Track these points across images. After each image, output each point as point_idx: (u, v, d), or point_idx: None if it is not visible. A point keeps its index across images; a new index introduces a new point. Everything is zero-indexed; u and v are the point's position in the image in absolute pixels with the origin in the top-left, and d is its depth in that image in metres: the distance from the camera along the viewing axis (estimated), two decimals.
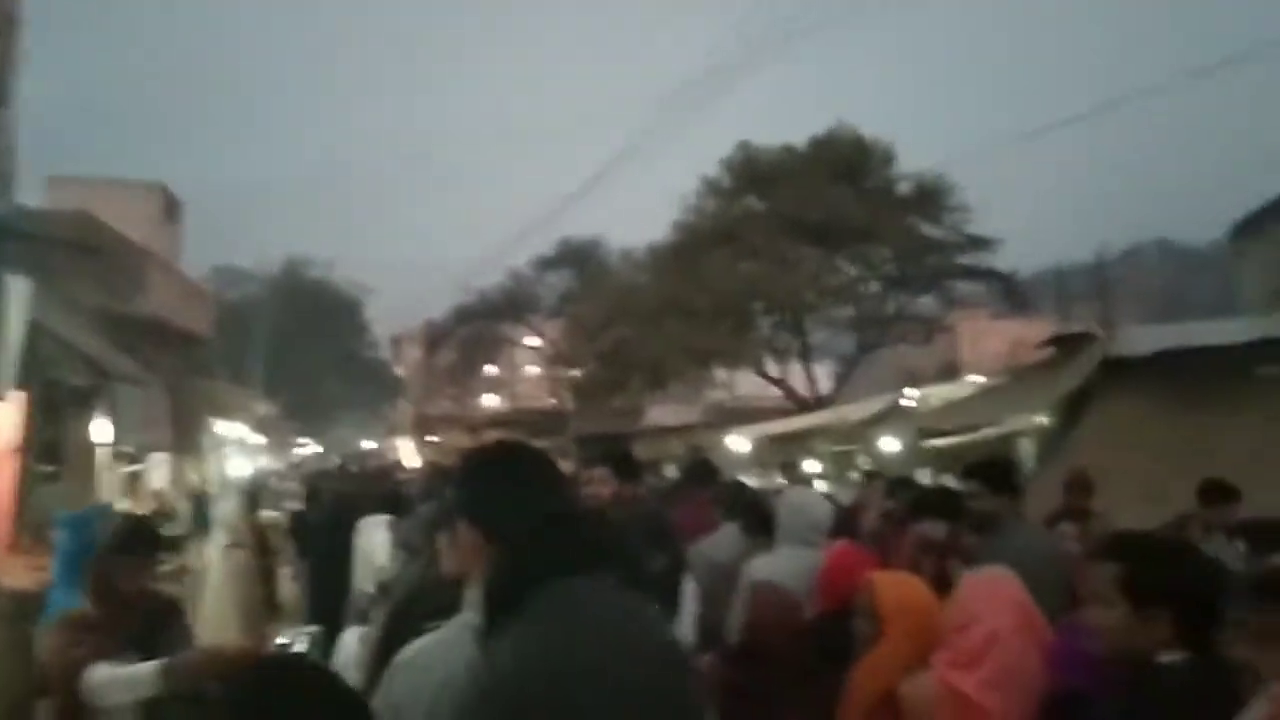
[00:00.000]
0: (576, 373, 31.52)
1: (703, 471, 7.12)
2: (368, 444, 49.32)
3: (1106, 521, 5.45)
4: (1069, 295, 32.86)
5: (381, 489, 8.86)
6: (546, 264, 36.18)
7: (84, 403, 9.28)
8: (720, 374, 31.54)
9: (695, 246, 24.84)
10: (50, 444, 8.52)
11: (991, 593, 2.68)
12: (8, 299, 6.11)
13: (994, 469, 3.80)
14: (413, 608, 3.06)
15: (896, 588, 2.81)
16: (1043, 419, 12.27)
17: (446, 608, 2.08)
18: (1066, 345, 13.06)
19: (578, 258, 35.87)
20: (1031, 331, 22.86)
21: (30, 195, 13.73)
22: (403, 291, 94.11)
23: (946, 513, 3.06)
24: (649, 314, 24.27)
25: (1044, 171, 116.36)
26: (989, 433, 13.55)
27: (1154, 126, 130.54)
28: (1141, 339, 11.13)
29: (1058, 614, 2.96)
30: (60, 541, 5.20)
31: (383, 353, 56.60)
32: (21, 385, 6.49)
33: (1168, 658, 2.11)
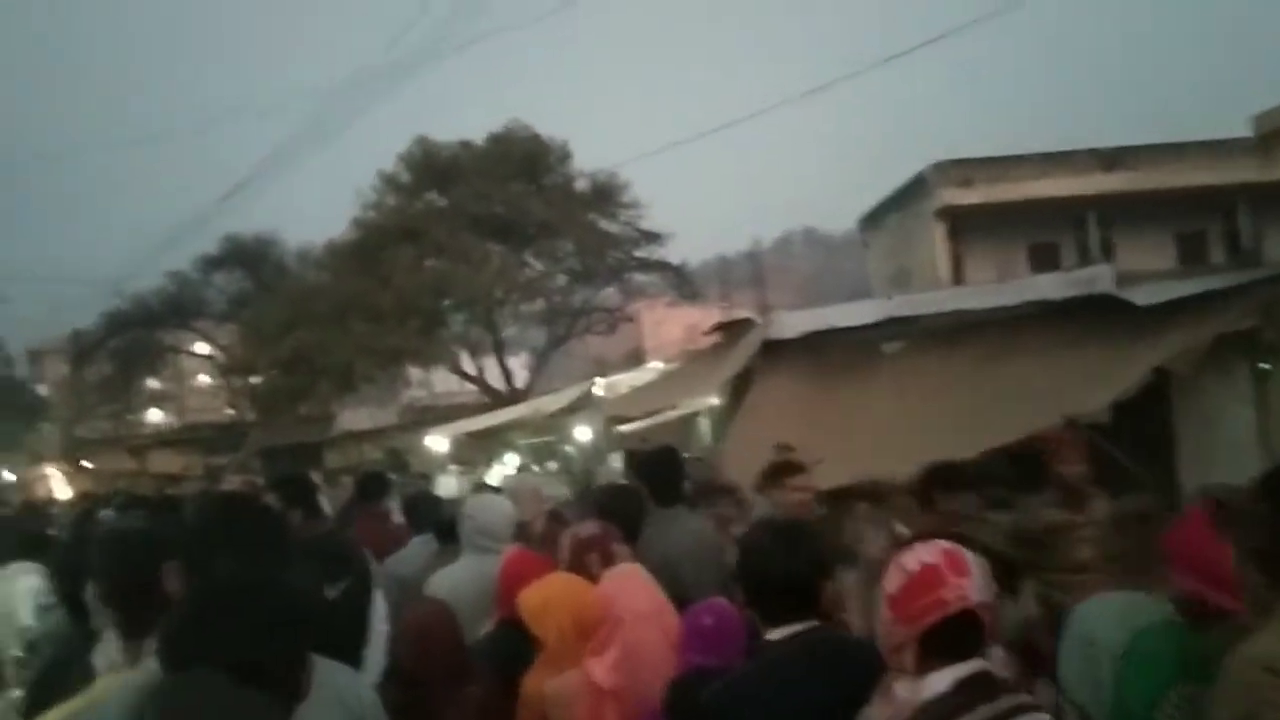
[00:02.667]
0: (256, 380, 29.36)
1: (374, 486, 6.67)
2: (8, 476, 42.83)
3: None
4: (732, 282, 35.94)
5: (23, 530, 7.79)
6: (212, 264, 33.06)
7: None
8: (415, 373, 30.84)
9: (377, 244, 24.12)
10: None
11: (622, 586, 2.79)
12: None
13: (644, 465, 4.05)
14: (65, 668, 2.78)
15: (542, 590, 2.81)
16: (715, 400, 13.39)
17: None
18: (731, 330, 14.32)
19: (248, 257, 33.15)
20: (704, 318, 24.75)
21: None
22: (41, 300, 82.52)
23: (603, 511, 3.23)
24: (332, 315, 23.22)
25: (708, 169, 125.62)
26: (671, 416, 14.54)
27: (802, 128, 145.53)
28: (792, 323, 12.43)
29: (717, 591, 3.24)
30: None
31: (19, 370, 49.43)
32: None
33: (774, 634, 2.26)
